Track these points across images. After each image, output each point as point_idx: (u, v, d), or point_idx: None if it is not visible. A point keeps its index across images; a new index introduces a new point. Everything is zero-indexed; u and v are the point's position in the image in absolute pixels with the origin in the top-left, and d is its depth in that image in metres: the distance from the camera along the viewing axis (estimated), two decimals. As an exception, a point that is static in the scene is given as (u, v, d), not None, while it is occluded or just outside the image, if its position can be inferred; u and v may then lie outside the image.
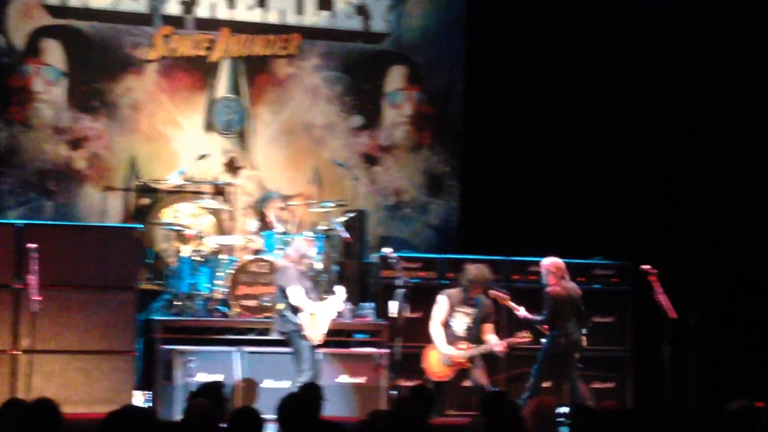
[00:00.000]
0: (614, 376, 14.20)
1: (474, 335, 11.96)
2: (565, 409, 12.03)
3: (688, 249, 15.04)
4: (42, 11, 14.81)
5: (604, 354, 14.26)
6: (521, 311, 12.31)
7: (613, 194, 15.56)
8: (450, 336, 11.98)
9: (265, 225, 13.69)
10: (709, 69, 15.26)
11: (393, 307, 12.43)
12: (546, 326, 12.17)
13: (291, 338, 11.77)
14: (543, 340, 12.31)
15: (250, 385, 12.43)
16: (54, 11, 14.85)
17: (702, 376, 12.96)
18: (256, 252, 13.64)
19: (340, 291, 12.16)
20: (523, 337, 12.14)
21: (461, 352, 11.89)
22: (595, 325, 14.28)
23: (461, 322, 12.00)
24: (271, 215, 13.75)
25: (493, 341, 11.98)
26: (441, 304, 12.09)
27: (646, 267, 12.29)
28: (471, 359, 11.92)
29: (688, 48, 15.35)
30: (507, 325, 13.63)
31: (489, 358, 12.21)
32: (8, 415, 6.44)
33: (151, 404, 12.20)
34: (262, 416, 6.73)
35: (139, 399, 11.47)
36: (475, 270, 12.06)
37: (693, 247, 15.08)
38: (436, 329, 12.02)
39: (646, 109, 15.51)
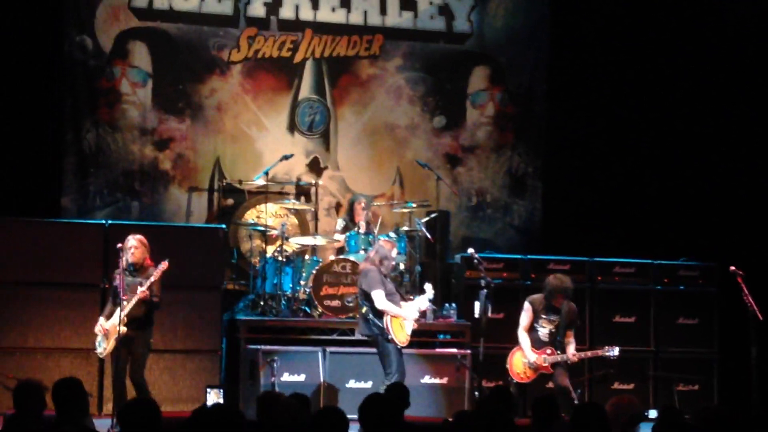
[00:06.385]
0: (699, 379, 14.03)
1: (557, 341, 11.92)
2: (653, 412, 11.96)
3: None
4: (129, 14, 14.99)
5: (688, 356, 14.15)
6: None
7: (698, 194, 15.37)
8: (535, 341, 11.96)
9: (353, 225, 13.75)
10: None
11: (476, 308, 12.40)
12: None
13: (376, 341, 11.70)
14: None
15: (333, 386, 12.46)
16: (140, 14, 15.02)
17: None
18: (339, 252, 13.69)
19: (429, 289, 12.11)
20: (608, 351, 12.02)
21: (544, 357, 11.86)
22: (680, 327, 14.20)
23: (544, 328, 11.97)
24: (357, 216, 13.82)
25: (570, 350, 11.94)
26: (526, 310, 12.09)
27: (734, 268, 12.12)
28: (553, 364, 11.89)
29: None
30: (588, 331, 13.66)
31: (571, 361, 12.14)
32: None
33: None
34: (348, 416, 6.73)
35: (213, 398, 11.50)
36: (554, 280, 12.00)
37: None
38: (521, 335, 12.02)
39: (733, 107, 15.27)
